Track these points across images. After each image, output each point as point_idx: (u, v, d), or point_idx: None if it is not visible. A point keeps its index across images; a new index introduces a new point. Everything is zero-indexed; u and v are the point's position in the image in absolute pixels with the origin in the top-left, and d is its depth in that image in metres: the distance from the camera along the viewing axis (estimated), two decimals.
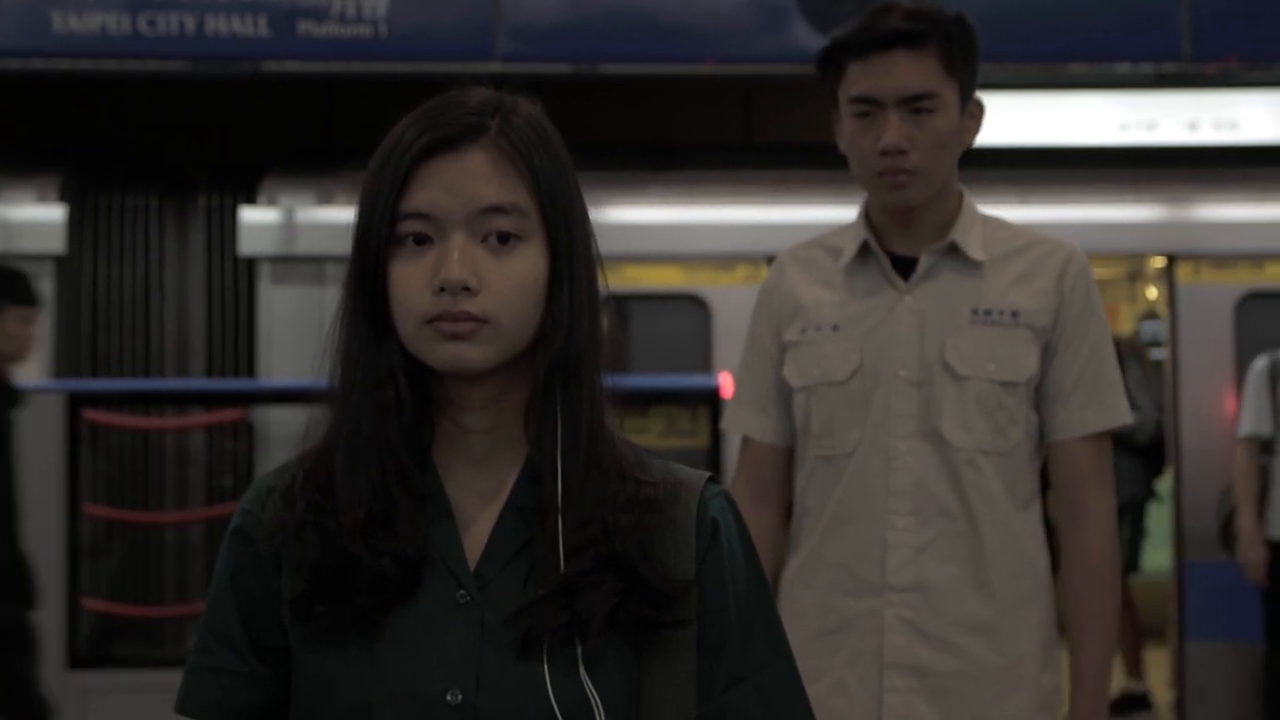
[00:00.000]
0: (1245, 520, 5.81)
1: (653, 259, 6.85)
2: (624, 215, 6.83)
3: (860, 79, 2.48)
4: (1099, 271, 9.16)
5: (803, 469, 2.59)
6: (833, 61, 2.52)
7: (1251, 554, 5.80)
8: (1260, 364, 5.97)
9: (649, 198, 6.96)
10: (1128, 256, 7.87)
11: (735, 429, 2.68)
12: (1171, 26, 7.05)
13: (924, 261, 2.53)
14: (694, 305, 6.86)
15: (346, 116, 8.07)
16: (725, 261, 6.78)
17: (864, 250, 2.56)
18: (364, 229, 1.40)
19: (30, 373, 6.71)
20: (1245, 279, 7.02)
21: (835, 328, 2.55)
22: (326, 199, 6.86)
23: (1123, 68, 7.22)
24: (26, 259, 6.75)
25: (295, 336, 6.70)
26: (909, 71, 2.46)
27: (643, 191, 6.97)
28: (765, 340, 2.63)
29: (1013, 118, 7.62)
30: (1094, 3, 7.06)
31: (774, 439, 2.63)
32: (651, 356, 6.67)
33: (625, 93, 8.06)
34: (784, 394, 2.60)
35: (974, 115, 2.56)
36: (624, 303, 6.52)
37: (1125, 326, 9.20)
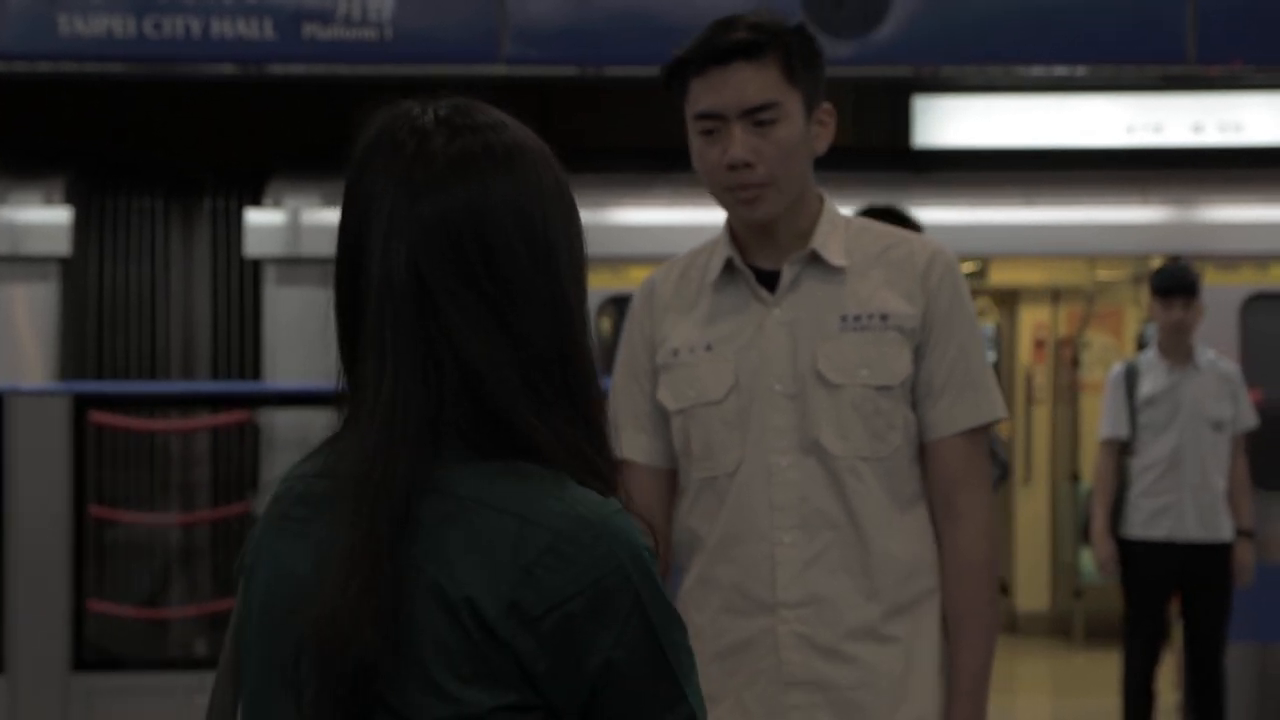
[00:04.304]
0: (1098, 521, 6.07)
1: (658, 260, 6.84)
2: (629, 217, 6.83)
3: (702, 95, 2.46)
4: (1104, 272, 9.19)
5: (687, 493, 2.55)
6: (676, 78, 2.51)
7: (1102, 553, 6.05)
8: (1117, 370, 6.21)
9: (654, 200, 6.96)
10: (1133, 258, 7.86)
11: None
12: (1177, 29, 7.05)
13: (786, 273, 2.50)
14: None
15: (352, 118, 8.07)
16: None
17: (729, 267, 2.54)
18: None
19: (36, 375, 6.72)
20: (1250, 280, 7.02)
21: (708, 348, 2.52)
22: (332, 200, 6.86)
23: (1129, 71, 7.22)
24: (32, 261, 6.77)
25: (301, 338, 6.70)
26: (749, 83, 2.44)
27: (648, 193, 6.97)
28: (638, 362, 2.60)
29: (1018, 120, 7.63)
30: (1100, 6, 7.06)
31: (655, 460, 2.58)
32: None
33: (629, 95, 8.06)
34: (661, 416, 2.57)
35: (823, 121, 2.52)
36: (624, 305, 6.51)
37: (1130, 329, 9.19)
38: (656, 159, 7.37)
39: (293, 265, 6.79)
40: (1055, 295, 9.98)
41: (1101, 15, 7.04)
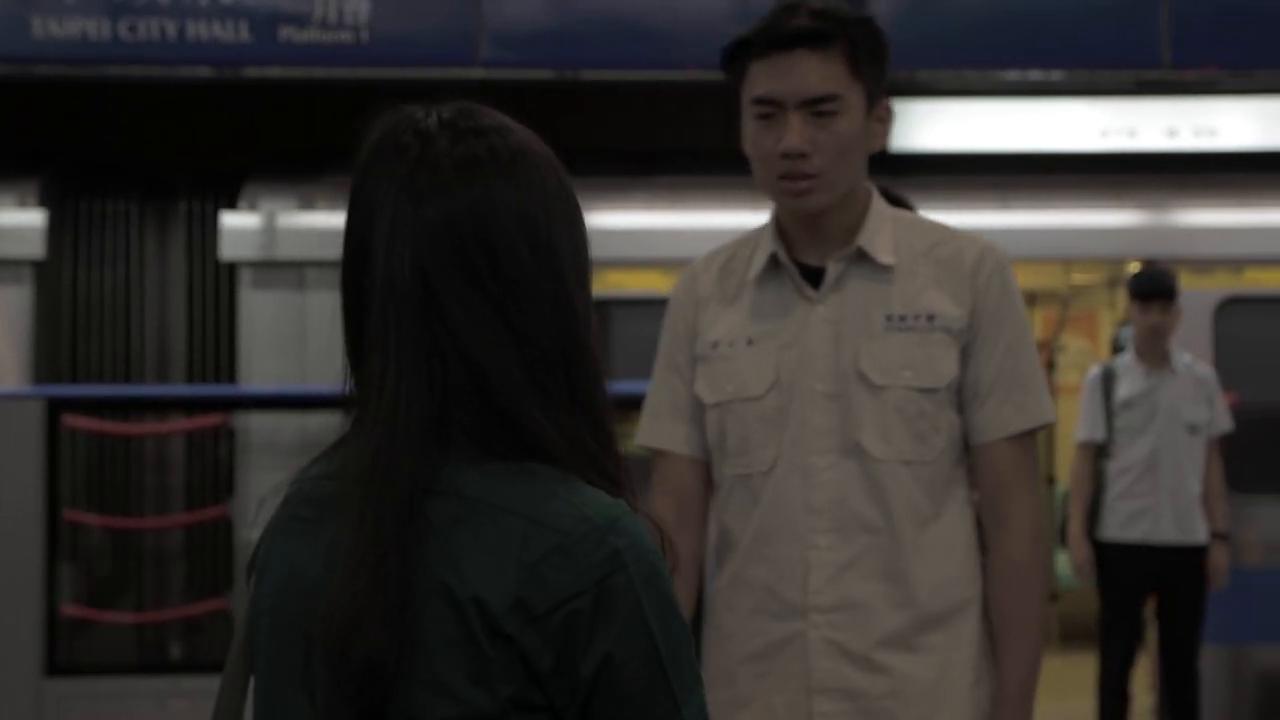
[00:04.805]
0: (1074, 523, 6.10)
1: (635, 264, 6.85)
2: (606, 221, 6.83)
3: (762, 79, 2.39)
4: (1079, 276, 9.22)
5: (720, 489, 2.49)
6: (736, 60, 2.43)
7: (1078, 556, 6.07)
8: (1094, 372, 6.23)
9: (631, 203, 6.96)
10: (1108, 262, 7.89)
11: (652, 442, 2.54)
12: (1151, 35, 7.07)
13: (831, 270, 2.44)
14: None
15: (328, 122, 8.05)
16: None
17: (773, 262, 2.48)
18: None
19: (9, 378, 6.68)
20: (1224, 284, 7.05)
21: (749, 342, 2.46)
22: (308, 204, 6.84)
23: (1104, 75, 7.24)
24: (6, 264, 6.73)
25: (276, 342, 6.68)
26: (812, 72, 2.37)
27: (625, 197, 6.97)
28: (678, 351, 2.53)
29: (994, 124, 7.64)
30: (1075, 11, 7.08)
31: (696, 451, 2.51)
32: (633, 361, 6.67)
33: (606, 98, 8.06)
34: (701, 407, 2.50)
35: (881, 119, 2.46)
36: (607, 308, 6.52)
37: (1104, 332, 9.23)
38: (635, 162, 7.38)
39: (268, 269, 6.77)
40: (1030, 299, 10.02)
41: (1077, 20, 7.07)
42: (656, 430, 2.54)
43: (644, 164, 7.34)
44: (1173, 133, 7.56)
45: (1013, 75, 7.24)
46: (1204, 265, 7.02)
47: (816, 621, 2.40)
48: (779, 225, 2.50)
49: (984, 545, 2.50)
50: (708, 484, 2.53)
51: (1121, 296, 7.19)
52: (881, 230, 2.46)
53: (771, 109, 2.39)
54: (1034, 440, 2.47)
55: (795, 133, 2.37)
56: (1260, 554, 6.80)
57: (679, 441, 2.52)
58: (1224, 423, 6.10)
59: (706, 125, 8.57)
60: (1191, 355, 6.26)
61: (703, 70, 6.94)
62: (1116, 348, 7.27)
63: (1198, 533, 6.02)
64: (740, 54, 2.43)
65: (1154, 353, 6.05)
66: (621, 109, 8.21)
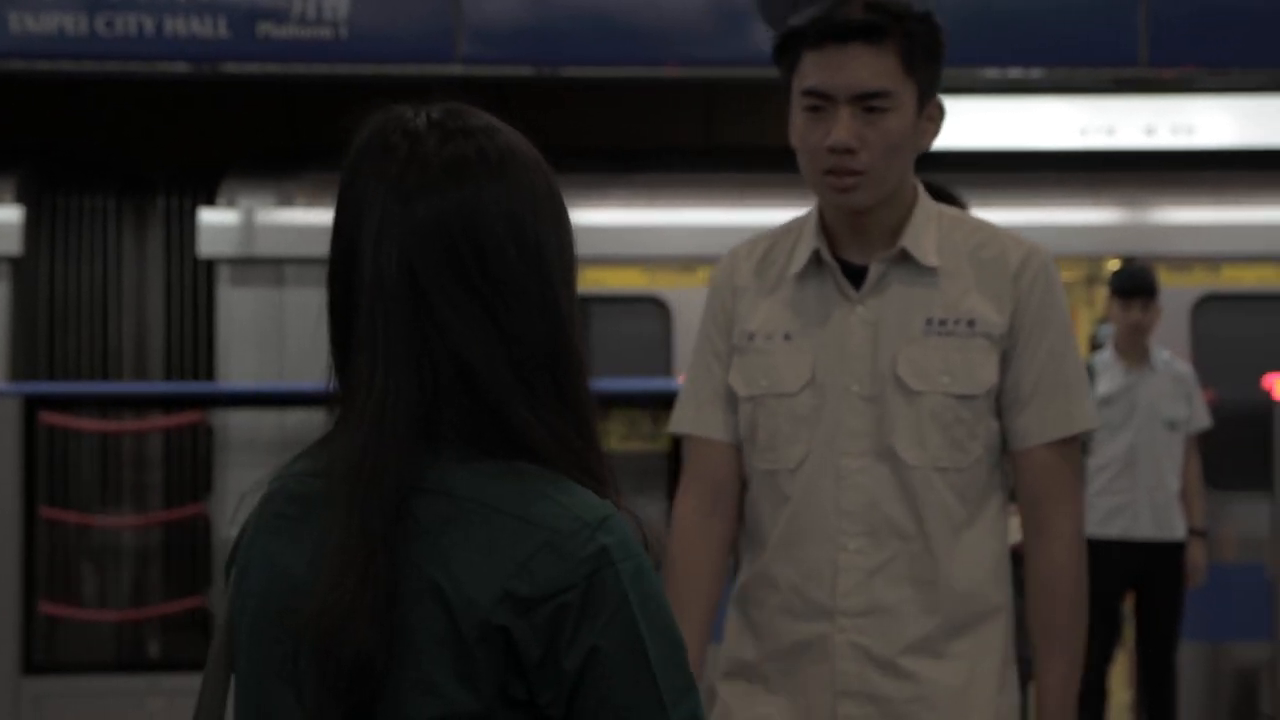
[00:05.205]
0: None
1: (613, 261, 6.85)
2: (585, 218, 6.82)
3: (813, 71, 2.34)
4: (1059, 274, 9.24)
5: (750, 482, 2.46)
6: (788, 50, 2.38)
7: None
8: None
9: (610, 200, 6.96)
10: (1086, 259, 7.92)
11: (690, 428, 2.50)
12: (1129, 33, 7.10)
13: (874, 270, 2.40)
14: (654, 308, 6.86)
15: (307, 118, 8.03)
16: (686, 264, 6.78)
17: (816, 258, 2.42)
18: None
19: None
20: (1202, 281, 7.07)
21: (786, 337, 2.42)
22: (286, 200, 6.82)
23: (1082, 73, 7.26)
24: None
25: (255, 339, 6.67)
26: (865, 67, 2.32)
27: (603, 194, 6.97)
28: (717, 338, 2.49)
29: (973, 122, 7.66)
30: (1055, 9, 7.10)
31: (735, 438, 2.46)
32: (612, 359, 6.67)
33: (586, 95, 8.05)
34: (734, 398, 2.46)
35: (932, 118, 2.42)
36: (584, 305, 6.51)
37: (1083, 329, 9.26)
38: (614, 159, 7.38)
39: (247, 265, 6.75)
40: None
41: (1055, 18, 7.09)
42: (698, 417, 2.49)
43: (624, 161, 7.34)
44: (1151, 131, 7.58)
45: (992, 73, 7.26)
46: (1182, 263, 7.04)
47: (843, 625, 2.37)
48: (822, 220, 2.45)
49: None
50: (742, 471, 2.48)
51: (1100, 294, 7.20)
52: (926, 230, 2.41)
53: (822, 102, 2.34)
54: (1076, 447, 2.44)
55: (844, 127, 2.32)
56: (1238, 551, 6.83)
57: (719, 428, 2.46)
58: (1202, 420, 6.12)
59: (686, 122, 8.57)
60: (1170, 352, 6.28)
61: (681, 67, 6.95)
62: (1095, 345, 7.29)
63: (1176, 529, 6.04)
64: (793, 43, 2.38)
65: (1134, 350, 6.07)
66: (601, 106, 8.21)
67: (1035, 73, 7.27)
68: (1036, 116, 7.62)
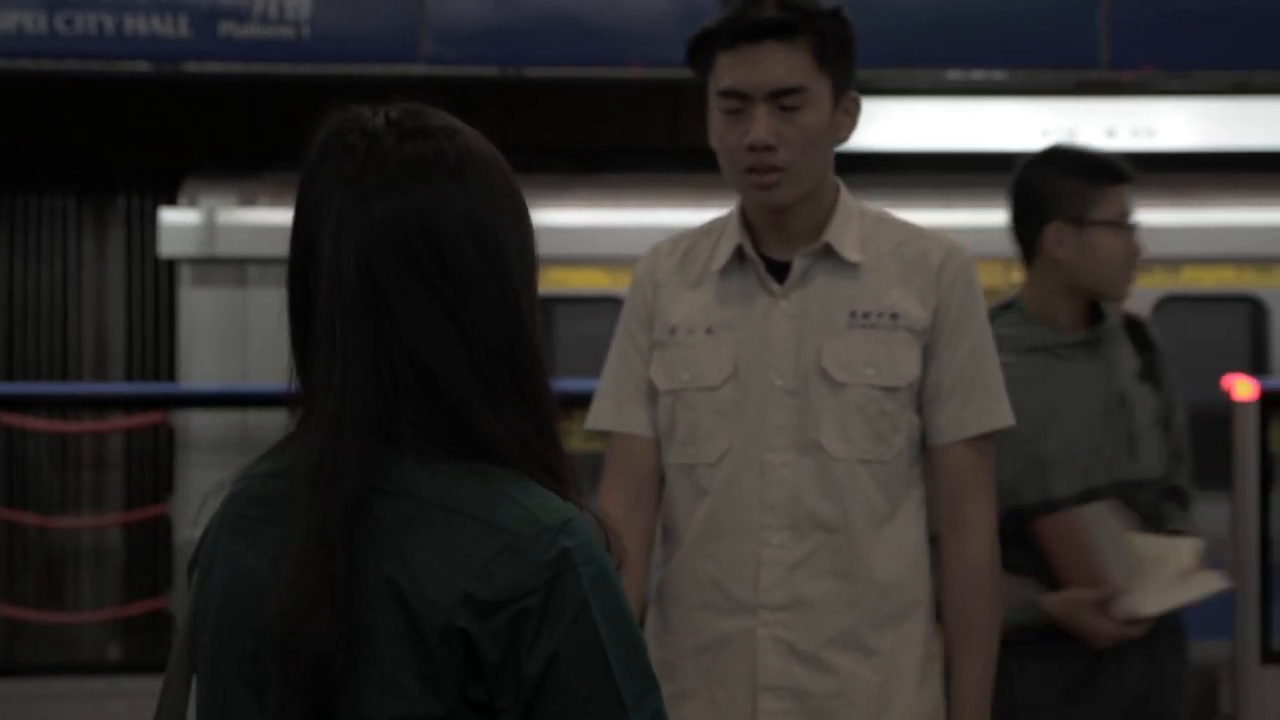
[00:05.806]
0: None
1: (579, 262, 6.84)
2: (550, 218, 6.82)
3: (728, 71, 2.37)
4: (1021, 275, 9.28)
5: (665, 477, 2.46)
6: (702, 52, 2.41)
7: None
8: None
9: (575, 201, 6.96)
10: None
11: (611, 424, 2.49)
12: (1090, 35, 7.14)
13: (797, 265, 2.41)
14: (619, 308, 6.86)
15: (269, 118, 8.00)
16: None
17: (738, 254, 2.44)
18: None
19: None
20: (1162, 283, 7.12)
21: (709, 331, 2.43)
22: (249, 200, 6.79)
23: (1043, 75, 7.30)
24: None
25: (216, 339, 6.64)
26: (779, 65, 2.35)
27: (568, 194, 6.97)
28: (637, 332, 2.50)
29: (935, 123, 7.69)
30: (1016, 11, 7.14)
31: (654, 432, 2.46)
32: (576, 360, 6.67)
33: (551, 96, 8.05)
34: (654, 392, 2.47)
35: (849, 111, 2.45)
36: (550, 305, 6.51)
37: None
38: (577, 160, 7.37)
39: (208, 265, 6.72)
40: None
41: (1016, 20, 7.12)
42: (619, 413, 2.50)
43: (588, 161, 7.34)
44: (1111, 133, 7.63)
45: (954, 74, 7.29)
46: (1142, 264, 7.08)
47: (766, 619, 2.38)
48: (745, 218, 2.47)
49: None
50: (662, 468, 2.49)
51: None
52: (849, 227, 2.44)
53: (738, 102, 2.37)
54: (992, 443, 2.46)
55: (762, 125, 2.35)
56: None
57: (641, 423, 2.47)
58: None
59: (651, 123, 8.57)
60: None
61: (647, 68, 6.95)
62: None
63: None
64: (706, 45, 2.41)
65: None
66: (565, 106, 8.20)
67: (997, 75, 7.30)
68: (999, 118, 7.66)
